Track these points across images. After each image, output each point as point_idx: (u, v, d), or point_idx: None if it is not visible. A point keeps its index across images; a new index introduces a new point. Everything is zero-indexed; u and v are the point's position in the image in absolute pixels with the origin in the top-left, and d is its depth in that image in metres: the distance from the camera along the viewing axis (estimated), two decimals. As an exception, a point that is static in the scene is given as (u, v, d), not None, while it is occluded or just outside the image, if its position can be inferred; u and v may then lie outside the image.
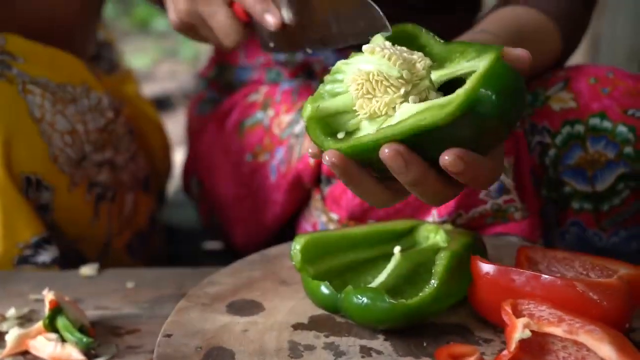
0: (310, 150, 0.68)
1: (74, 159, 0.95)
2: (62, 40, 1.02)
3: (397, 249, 0.77)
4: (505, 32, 0.83)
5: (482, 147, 0.63)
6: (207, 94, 1.26)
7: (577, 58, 1.67)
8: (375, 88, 0.65)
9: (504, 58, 0.63)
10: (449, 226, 0.81)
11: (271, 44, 0.87)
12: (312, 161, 0.96)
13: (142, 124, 1.27)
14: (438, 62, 0.68)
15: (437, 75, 0.67)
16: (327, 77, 0.70)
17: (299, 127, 1.03)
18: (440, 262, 0.72)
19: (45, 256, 0.93)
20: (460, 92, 0.61)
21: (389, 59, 0.64)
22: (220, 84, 1.26)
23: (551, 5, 0.93)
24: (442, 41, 0.69)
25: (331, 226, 0.96)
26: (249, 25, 0.87)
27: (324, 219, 0.97)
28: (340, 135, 0.67)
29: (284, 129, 1.06)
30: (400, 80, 0.64)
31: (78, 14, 1.08)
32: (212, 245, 1.40)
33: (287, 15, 0.84)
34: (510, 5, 0.94)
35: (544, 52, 0.92)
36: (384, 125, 0.65)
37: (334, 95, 0.69)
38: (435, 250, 0.77)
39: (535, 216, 0.92)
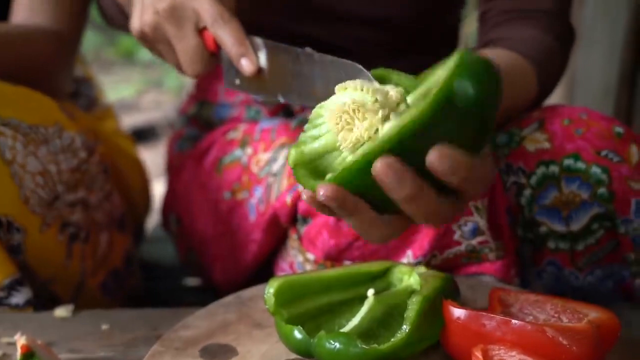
0: (305, 197, 0.66)
1: (45, 200, 0.95)
2: (35, 81, 1.02)
3: (370, 292, 0.77)
4: None
5: (469, 145, 0.62)
6: (186, 131, 1.27)
7: (555, 94, 1.69)
8: (353, 117, 0.65)
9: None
10: (422, 268, 0.81)
11: (237, 81, 0.86)
12: (288, 200, 0.97)
13: (119, 161, 1.27)
14: (411, 91, 0.69)
15: (412, 96, 0.67)
16: (307, 126, 0.70)
17: (276, 166, 1.04)
18: (412, 307, 0.72)
19: (18, 298, 0.92)
20: (435, 88, 0.60)
21: (361, 89, 0.65)
22: (200, 121, 1.26)
23: (529, 48, 0.94)
24: (411, 76, 0.70)
25: (308, 266, 0.96)
26: (215, 55, 0.86)
27: (300, 258, 0.97)
28: (329, 176, 0.66)
29: (262, 167, 1.07)
30: (376, 104, 0.64)
31: (51, 57, 1.08)
32: (192, 281, 1.39)
33: (264, 61, 0.83)
34: (488, 48, 0.95)
35: (521, 95, 0.93)
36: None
37: (316, 138, 0.69)
38: (409, 292, 0.77)
39: (511, 256, 0.92)
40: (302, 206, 0.94)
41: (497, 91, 0.62)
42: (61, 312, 0.92)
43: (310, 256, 0.95)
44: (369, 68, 0.74)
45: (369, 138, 0.64)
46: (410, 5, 1.10)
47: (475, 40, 1.08)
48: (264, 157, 1.07)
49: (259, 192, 1.05)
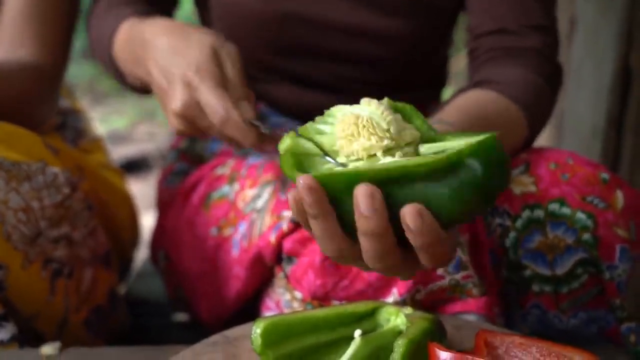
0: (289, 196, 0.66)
1: (28, 236, 0.94)
2: (16, 115, 1.02)
3: (357, 333, 0.77)
4: (468, 122, 0.84)
5: (447, 220, 0.63)
6: (176, 166, 1.27)
7: (543, 135, 1.70)
8: (360, 133, 0.65)
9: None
10: (409, 309, 0.81)
11: None
12: (273, 239, 0.96)
13: (106, 195, 1.26)
14: (426, 140, 0.69)
15: (425, 148, 0.67)
16: (318, 118, 0.71)
17: (261, 202, 1.04)
18: (398, 350, 0.72)
19: (3, 334, 0.92)
20: (447, 152, 0.62)
21: (382, 112, 0.66)
22: (191, 156, 1.26)
23: (520, 93, 0.95)
24: (435, 129, 0.70)
25: (295, 304, 0.96)
26: None
27: (287, 297, 0.97)
28: (313, 172, 0.66)
29: (247, 203, 1.07)
30: (386, 133, 0.65)
31: (32, 91, 1.09)
32: (181, 317, 1.38)
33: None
34: (478, 89, 0.96)
35: (512, 142, 0.94)
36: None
37: (320, 132, 0.70)
38: (396, 333, 0.77)
39: (494, 295, 0.92)
40: (287, 245, 0.94)
41: (502, 186, 0.64)
42: (47, 349, 0.91)
43: (298, 294, 0.95)
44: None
45: (364, 158, 0.65)
46: (394, 45, 1.11)
47: (464, 78, 1.09)
48: (249, 193, 1.08)
49: (242, 227, 1.05)
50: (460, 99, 0.93)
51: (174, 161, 1.28)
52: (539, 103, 0.98)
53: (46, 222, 0.96)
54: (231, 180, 1.12)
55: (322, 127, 0.70)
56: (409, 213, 0.61)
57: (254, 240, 1.00)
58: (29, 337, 0.97)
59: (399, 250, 0.65)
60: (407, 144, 0.66)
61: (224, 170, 1.15)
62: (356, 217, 0.63)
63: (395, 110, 0.71)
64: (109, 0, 1.12)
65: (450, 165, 0.61)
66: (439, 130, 0.74)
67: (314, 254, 0.92)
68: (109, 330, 1.13)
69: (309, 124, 0.71)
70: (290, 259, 0.95)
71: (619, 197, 0.91)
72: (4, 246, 0.92)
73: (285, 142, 0.69)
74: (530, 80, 0.98)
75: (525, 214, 0.90)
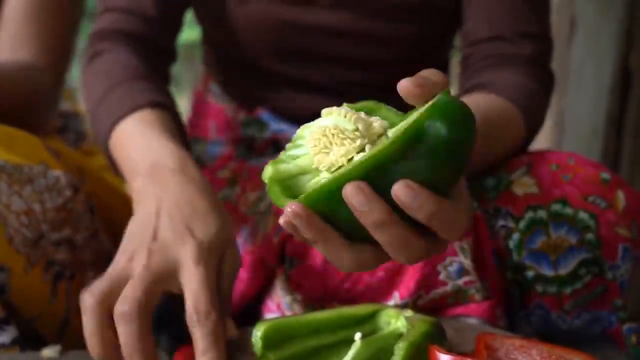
0: (281, 219, 0.64)
1: (30, 239, 0.94)
2: (18, 117, 1.02)
3: (358, 336, 0.77)
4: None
5: (440, 184, 0.62)
6: (177, 169, 1.27)
7: (544, 136, 1.71)
8: (332, 142, 0.64)
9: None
10: (409, 312, 0.81)
11: None
12: (275, 241, 0.97)
13: (107, 197, 1.26)
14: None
15: (392, 131, 0.66)
16: (288, 145, 0.70)
17: (263, 205, 1.04)
18: (399, 352, 0.72)
19: (4, 337, 0.92)
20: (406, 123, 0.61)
21: (345, 116, 0.65)
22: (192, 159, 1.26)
23: (516, 94, 0.95)
24: (400, 112, 0.69)
25: (295, 306, 0.96)
26: None
27: (288, 299, 0.97)
28: (301, 196, 0.65)
29: (249, 206, 1.07)
30: (356, 133, 0.64)
31: (33, 94, 1.09)
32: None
33: None
34: (475, 93, 0.96)
35: (510, 139, 0.94)
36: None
37: (295, 158, 0.69)
38: (396, 336, 0.77)
39: (497, 297, 0.92)
40: (289, 247, 0.95)
41: (471, 135, 0.62)
42: (48, 352, 0.91)
43: (298, 297, 0.95)
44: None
45: (343, 164, 0.64)
46: (394, 47, 1.11)
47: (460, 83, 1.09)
48: (251, 196, 1.08)
49: (245, 231, 1.05)
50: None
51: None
52: (535, 104, 0.98)
53: (48, 225, 0.96)
54: (232, 182, 1.12)
55: (295, 152, 0.69)
56: (398, 190, 0.59)
57: (257, 243, 1.00)
58: (30, 338, 0.97)
59: (415, 232, 0.62)
60: (379, 136, 0.65)
61: (225, 173, 1.15)
62: (358, 217, 0.61)
63: (357, 110, 0.70)
64: (108, 66, 1.06)
65: (415, 136, 0.60)
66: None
67: (316, 256, 0.92)
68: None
69: (282, 153, 0.69)
70: (292, 261, 0.95)
71: (620, 197, 0.91)
72: (6, 249, 0.92)
73: (268, 171, 0.67)
74: (525, 83, 0.99)
75: (528, 215, 0.90)
